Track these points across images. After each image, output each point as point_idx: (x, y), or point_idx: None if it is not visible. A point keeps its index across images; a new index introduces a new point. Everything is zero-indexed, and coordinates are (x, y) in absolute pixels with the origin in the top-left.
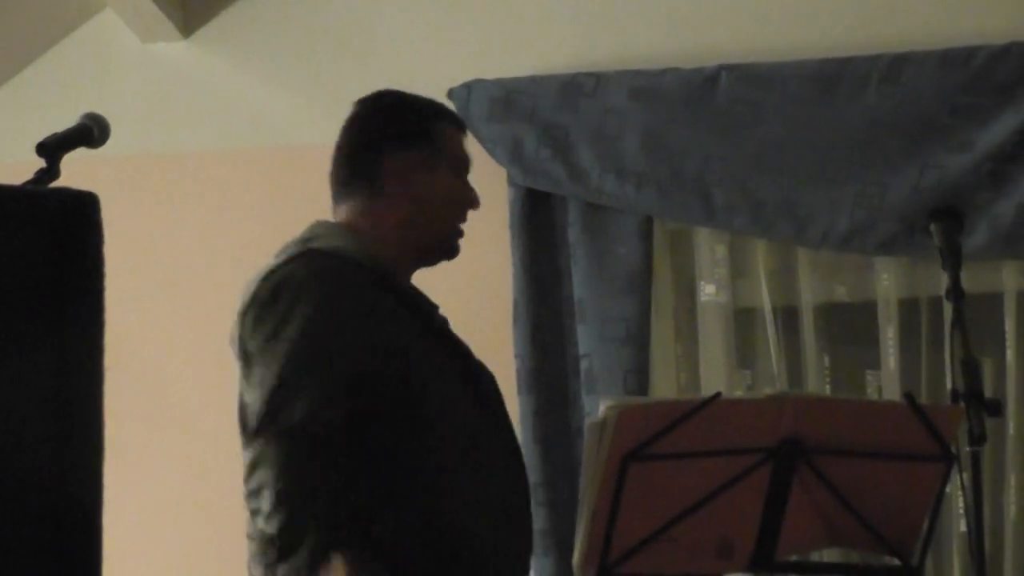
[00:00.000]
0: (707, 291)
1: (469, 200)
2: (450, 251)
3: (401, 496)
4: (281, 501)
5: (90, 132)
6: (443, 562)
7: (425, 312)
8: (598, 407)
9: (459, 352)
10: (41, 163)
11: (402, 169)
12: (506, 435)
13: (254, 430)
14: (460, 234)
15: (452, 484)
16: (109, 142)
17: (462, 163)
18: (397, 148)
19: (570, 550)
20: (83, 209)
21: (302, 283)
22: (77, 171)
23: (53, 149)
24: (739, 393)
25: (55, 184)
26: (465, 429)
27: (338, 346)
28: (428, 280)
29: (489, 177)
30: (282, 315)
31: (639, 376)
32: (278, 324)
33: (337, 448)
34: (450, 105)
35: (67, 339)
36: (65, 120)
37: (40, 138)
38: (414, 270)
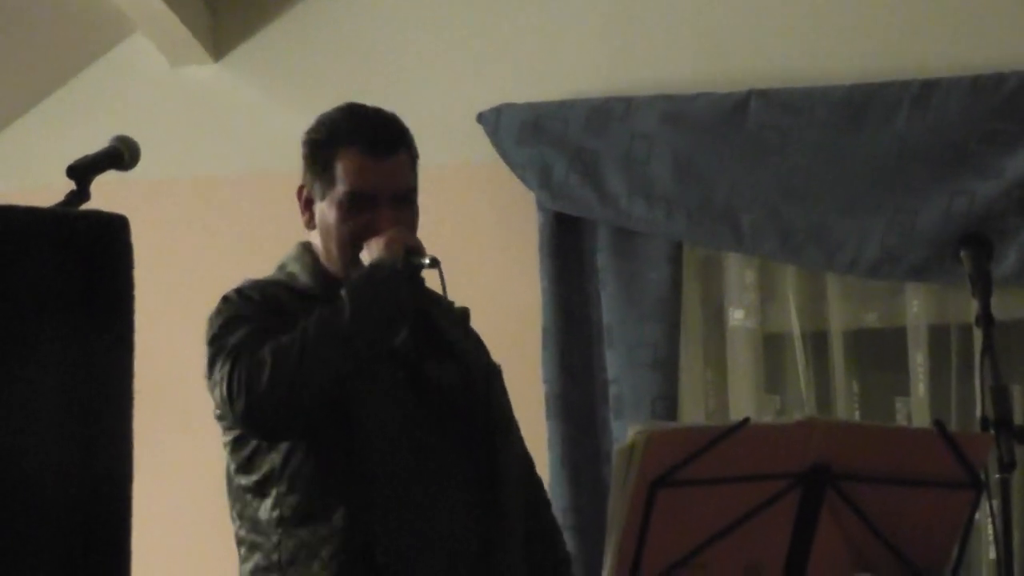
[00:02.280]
0: (736, 316)
1: (343, 234)
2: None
3: (330, 500)
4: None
5: (120, 155)
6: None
7: None
8: (626, 432)
9: (415, 367)
10: (72, 185)
11: (307, 198)
12: (470, 451)
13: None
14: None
15: (378, 495)
16: (139, 165)
17: (348, 192)
18: (306, 176)
19: None
20: (113, 232)
21: (216, 312)
22: (107, 193)
23: (83, 172)
24: (768, 419)
25: (86, 206)
26: (389, 442)
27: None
28: (456, 302)
29: (518, 201)
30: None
31: (667, 401)
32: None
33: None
34: (479, 129)
35: (97, 361)
36: (95, 143)
37: (71, 161)
38: None
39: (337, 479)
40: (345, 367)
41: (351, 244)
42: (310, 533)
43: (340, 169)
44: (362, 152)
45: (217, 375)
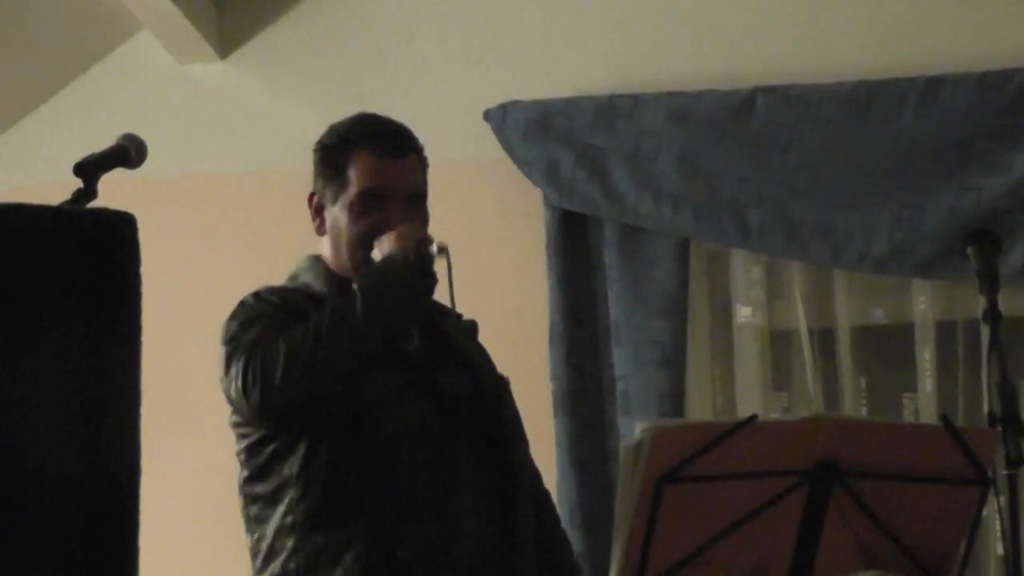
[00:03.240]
0: (743, 313)
1: (354, 234)
2: None
3: (348, 509)
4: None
5: (127, 153)
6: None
7: None
8: (634, 429)
9: (430, 375)
10: (79, 183)
11: (318, 204)
12: (484, 459)
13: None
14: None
15: (397, 501)
16: (146, 163)
17: (359, 192)
18: (317, 183)
19: (606, 573)
20: (120, 229)
21: (233, 315)
22: (114, 191)
23: (91, 169)
24: (775, 415)
25: (92, 204)
26: (407, 447)
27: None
28: (463, 300)
29: (525, 198)
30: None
31: (675, 398)
32: (224, 343)
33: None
34: (486, 126)
35: (104, 358)
36: (102, 141)
37: (78, 158)
38: None
39: (355, 484)
40: (359, 359)
41: (362, 244)
42: (328, 538)
43: (352, 171)
44: (373, 154)
45: (233, 371)
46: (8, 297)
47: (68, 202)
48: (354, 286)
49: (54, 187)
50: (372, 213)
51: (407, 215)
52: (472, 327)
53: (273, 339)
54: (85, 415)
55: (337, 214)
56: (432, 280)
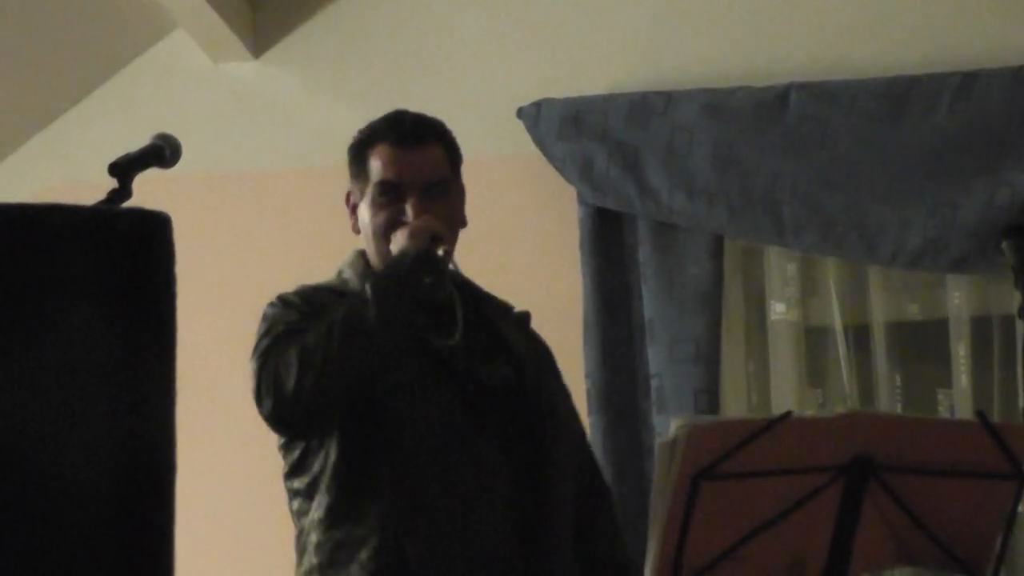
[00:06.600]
0: (778, 310)
1: (376, 227)
2: None
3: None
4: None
5: (162, 152)
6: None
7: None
8: (669, 426)
9: (459, 364)
10: (114, 183)
11: (353, 204)
12: (513, 447)
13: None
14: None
15: (413, 495)
16: (181, 161)
17: (376, 184)
18: (351, 182)
19: (641, 570)
20: (155, 229)
21: (259, 324)
22: (149, 190)
23: (125, 169)
24: (810, 412)
25: (127, 204)
26: (427, 445)
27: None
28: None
29: (559, 196)
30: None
31: (710, 395)
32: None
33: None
34: (519, 123)
35: (140, 358)
36: (137, 140)
37: (113, 158)
38: None
39: (374, 479)
40: (371, 363)
41: (384, 237)
42: (346, 533)
43: (372, 164)
44: (391, 144)
45: (252, 381)
46: (44, 297)
47: (103, 202)
48: (366, 286)
49: (89, 186)
50: (391, 205)
51: (425, 206)
52: (524, 318)
53: (286, 347)
54: (121, 413)
55: (363, 210)
56: (434, 281)
